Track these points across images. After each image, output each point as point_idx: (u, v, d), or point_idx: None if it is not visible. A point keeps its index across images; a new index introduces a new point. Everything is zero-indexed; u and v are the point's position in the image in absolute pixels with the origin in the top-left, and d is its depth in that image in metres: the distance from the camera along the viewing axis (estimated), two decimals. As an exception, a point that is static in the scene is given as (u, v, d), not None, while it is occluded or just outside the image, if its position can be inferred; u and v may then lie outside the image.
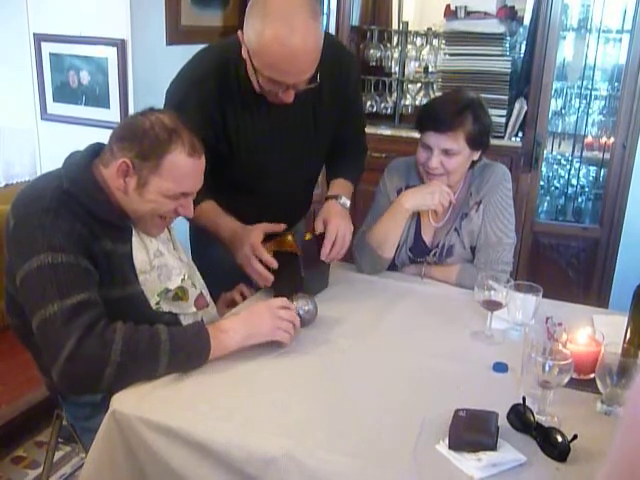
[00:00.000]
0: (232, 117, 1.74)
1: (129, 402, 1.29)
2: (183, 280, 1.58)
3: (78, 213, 1.40)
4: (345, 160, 1.98)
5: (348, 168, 1.97)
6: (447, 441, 1.16)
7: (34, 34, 2.84)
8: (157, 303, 1.53)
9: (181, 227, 1.87)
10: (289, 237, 1.80)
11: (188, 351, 1.38)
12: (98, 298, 1.38)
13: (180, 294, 1.57)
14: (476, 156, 1.89)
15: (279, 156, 1.83)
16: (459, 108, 1.82)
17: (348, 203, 1.88)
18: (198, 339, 1.40)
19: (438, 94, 3.12)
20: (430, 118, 1.85)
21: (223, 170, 1.75)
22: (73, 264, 1.36)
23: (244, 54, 1.61)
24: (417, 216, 1.99)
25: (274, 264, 1.71)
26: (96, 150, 1.51)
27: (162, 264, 1.55)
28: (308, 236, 1.85)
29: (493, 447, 1.15)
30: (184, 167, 1.44)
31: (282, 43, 1.49)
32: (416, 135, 1.93)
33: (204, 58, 1.77)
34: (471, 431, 1.16)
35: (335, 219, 1.80)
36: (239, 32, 1.60)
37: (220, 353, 1.42)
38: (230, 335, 1.43)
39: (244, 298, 1.80)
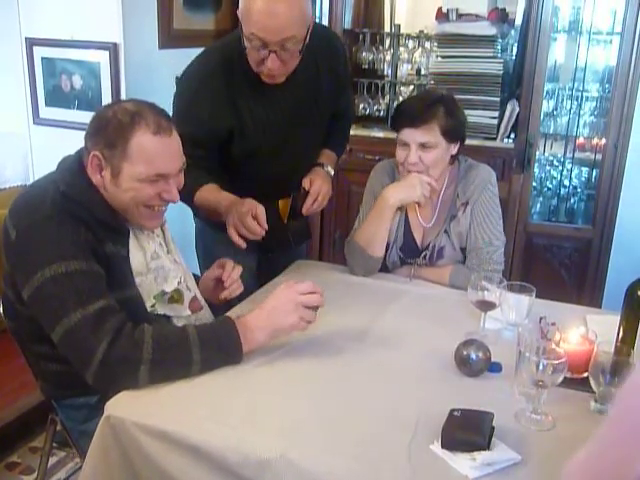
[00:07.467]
0: (243, 107, 1.87)
1: (123, 407, 1.29)
2: (179, 283, 1.58)
3: (79, 216, 1.40)
4: (334, 133, 2.17)
5: (335, 140, 2.19)
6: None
7: (26, 38, 2.82)
8: (152, 306, 1.53)
9: (181, 229, 1.86)
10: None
11: (218, 340, 1.39)
12: (115, 302, 1.38)
13: (176, 297, 1.57)
14: (454, 150, 1.92)
15: (287, 137, 1.96)
16: (431, 101, 1.88)
17: (332, 172, 2.12)
18: (225, 328, 1.41)
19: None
20: (404, 115, 1.89)
21: (237, 158, 1.90)
22: (86, 271, 1.35)
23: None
24: (405, 215, 2.01)
25: (264, 224, 1.78)
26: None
27: (159, 266, 1.55)
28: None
29: (485, 447, 1.15)
30: (152, 147, 1.42)
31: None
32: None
33: (209, 56, 1.91)
34: (463, 430, 1.16)
35: (318, 181, 2.00)
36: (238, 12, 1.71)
37: (248, 349, 1.42)
38: (256, 334, 1.42)
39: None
